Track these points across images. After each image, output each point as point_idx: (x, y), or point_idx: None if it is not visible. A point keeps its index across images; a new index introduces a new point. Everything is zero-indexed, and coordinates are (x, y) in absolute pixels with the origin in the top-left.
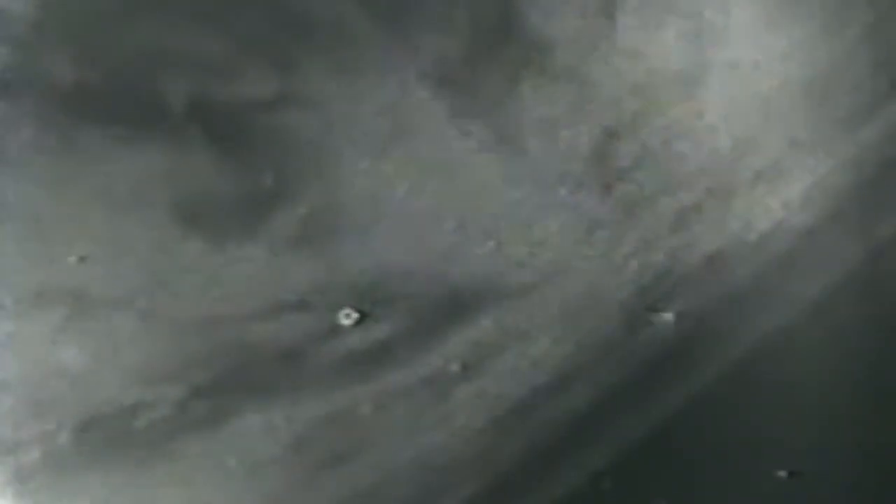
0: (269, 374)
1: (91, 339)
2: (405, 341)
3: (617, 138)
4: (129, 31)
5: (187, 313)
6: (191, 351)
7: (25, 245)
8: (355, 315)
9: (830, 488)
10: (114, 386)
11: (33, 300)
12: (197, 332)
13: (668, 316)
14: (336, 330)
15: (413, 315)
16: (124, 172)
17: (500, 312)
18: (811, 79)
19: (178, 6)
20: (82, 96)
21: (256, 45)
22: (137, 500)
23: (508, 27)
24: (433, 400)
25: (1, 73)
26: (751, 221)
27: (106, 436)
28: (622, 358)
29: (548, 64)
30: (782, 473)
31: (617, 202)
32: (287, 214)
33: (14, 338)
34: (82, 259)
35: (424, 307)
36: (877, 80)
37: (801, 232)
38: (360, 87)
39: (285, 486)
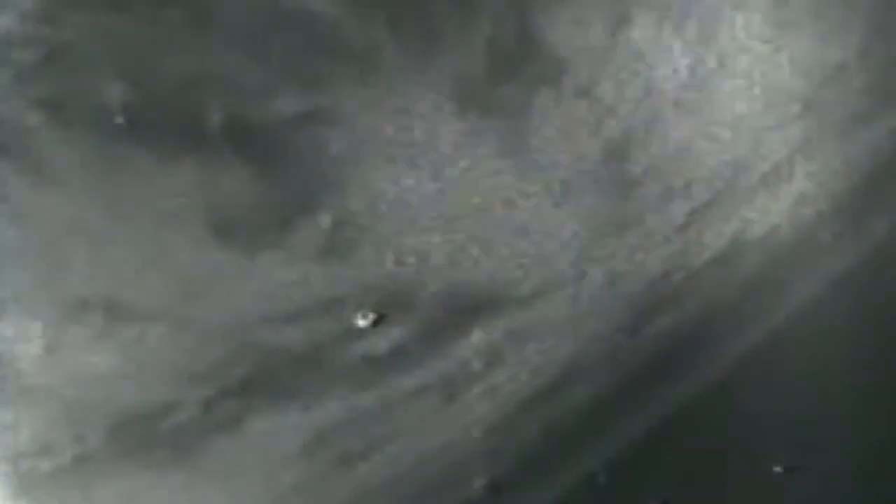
0: (290, 375)
1: (124, 345)
2: (419, 343)
3: (628, 148)
4: (170, 57)
5: (215, 319)
6: (216, 354)
7: (67, 257)
8: (372, 316)
9: (827, 484)
10: (143, 389)
11: (72, 309)
12: (222, 337)
13: (670, 315)
14: (353, 332)
15: (427, 318)
16: (164, 187)
17: (512, 314)
18: (811, 89)
19: (216, 34)
20: (127, 118)
21: (288, 67)
22: (163, 498)
23: (525, 47)
24: (444, 400)
25: (53, 98)
26: (754, 223)
27: (135, 437)
28: (626, 357)
29: (563, 79)
30: (779, 469)
31: (627, 208)
32: (313, 225)
33: (53, 345)
34: (120, 269)
35: (439, 310)
36: (873, 90)
37: (802, 232)
38: (385, 104)
39: (306, 482)
